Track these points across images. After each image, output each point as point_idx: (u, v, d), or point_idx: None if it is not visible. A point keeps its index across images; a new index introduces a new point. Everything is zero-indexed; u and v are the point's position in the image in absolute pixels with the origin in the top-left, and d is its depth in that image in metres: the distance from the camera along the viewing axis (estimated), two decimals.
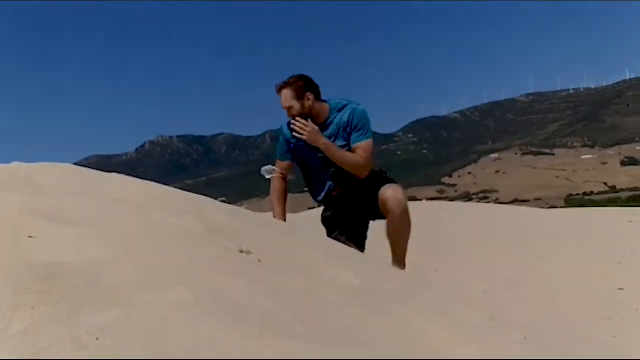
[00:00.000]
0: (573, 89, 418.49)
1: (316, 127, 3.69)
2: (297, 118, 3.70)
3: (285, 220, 3.85)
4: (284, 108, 3.81)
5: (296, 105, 3.75)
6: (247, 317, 1.42)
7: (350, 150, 3.74)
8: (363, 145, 3.73)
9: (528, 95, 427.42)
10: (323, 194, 3.87)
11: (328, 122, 3.79)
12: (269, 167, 3.96)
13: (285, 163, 3.98)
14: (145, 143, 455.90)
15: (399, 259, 3.69)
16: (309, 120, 3.73)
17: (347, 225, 3.88)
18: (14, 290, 1.38)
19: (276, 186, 3.98)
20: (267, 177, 3.97)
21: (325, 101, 3.85)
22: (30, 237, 1.78)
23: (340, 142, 3.74)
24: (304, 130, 3.66)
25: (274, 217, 3.91)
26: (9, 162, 3.00)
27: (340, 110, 3.79)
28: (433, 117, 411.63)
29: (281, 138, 3.97)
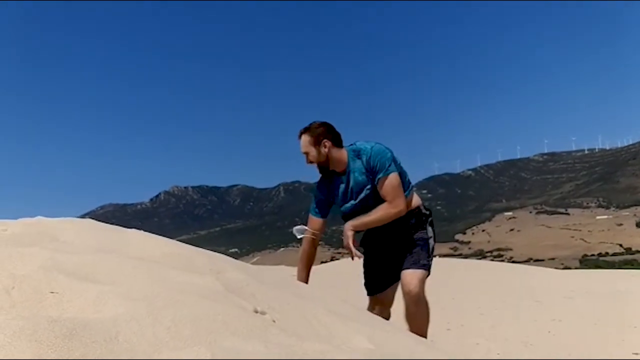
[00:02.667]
0: (588, 149, 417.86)
1: (348, 236, 3.68)
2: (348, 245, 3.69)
3: (307, 283, 3.85)
4: (302, 153, 3.83)
5: (313, 151, 3.79)
6: None
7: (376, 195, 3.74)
8: (385, 185, 3.68)
9: (542, 154, 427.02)
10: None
11: (348, 170, 3.80)
12: (301, 226, 3.95)
13: (318, 220, 3.96)
14: (160, 193, 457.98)
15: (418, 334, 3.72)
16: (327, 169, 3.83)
17: (381, 265, 3.96)
18: (37, 345, 1.41)
19: (305, 249, 3.98)
20: (299, 236, 3.95)
21: (344, 147, 3.85)
22: (53, 292, 1.83)
23: (365, 186, 3.76)
24: (346, 243, 3.69)
25: (297, 278, 3.91)
26: (32, 214, 3.07)
27: (356, 157, 3.79)
28: (447, 174, 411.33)
29: (314, 194, 4.00)
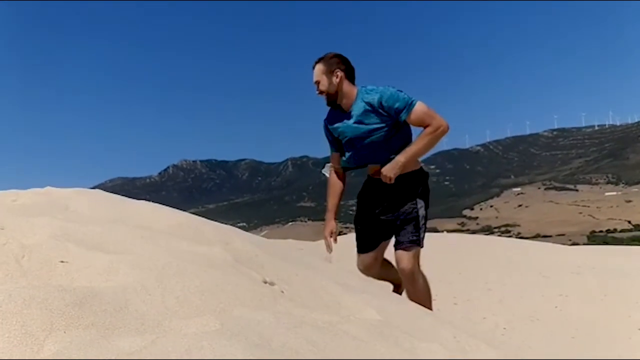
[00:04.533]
0: (598, 125, 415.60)
1: (390, 167, 3.58)
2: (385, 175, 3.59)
3: (335, 213, 3.90)
4: (314, 82, 3.72)
5: (324, 80, 3.67)
6: (270, 348, 1.45)
7: (391, 131, 3.64)
8: (417, 114, 3.56)
9: (552, 130, 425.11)
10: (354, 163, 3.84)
11: (351, 110, 3.68)
12: (328, 164, 3.99)
13: (336, 155, 3.93)
14: (168, 167, 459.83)
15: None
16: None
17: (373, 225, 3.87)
18: (47, 313, 1.42)
19: (330, 180, 3.97)
20: (327, 174, 3.99)
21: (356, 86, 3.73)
22: (63, 261, 1.83)
23: (369, 120, 3.63)
24: (389, 177, 3.58)
25: (327, 205, 3.93)
26: (42, 186, 3.08)
27: (366, 95, 3.65)
28: (456, 149, 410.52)
29: (324, 131, 3.92)
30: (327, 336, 1.66)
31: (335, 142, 3.90)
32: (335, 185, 3.96)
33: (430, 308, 3.72)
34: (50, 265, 1.81)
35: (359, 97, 3.67)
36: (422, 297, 3.72)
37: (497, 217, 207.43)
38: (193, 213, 3.73)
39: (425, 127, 3.58)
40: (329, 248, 3.84)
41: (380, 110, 3.60)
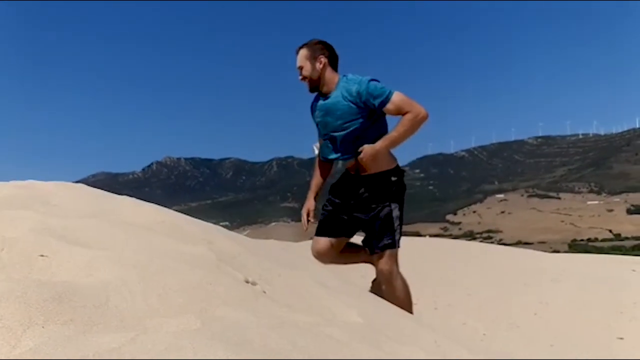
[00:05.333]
0: (582, 134, 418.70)
1: (368, 151, 3.55)
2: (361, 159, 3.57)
3: (316, 193, 3.92)
4: (297, 68, 3.71)
5: (307, 65, 3.66)
6: (251, 348, 1.44)
7: (367, 121, 3.61)
8: (394, 103, 3.53)
9: (537, 137, 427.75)
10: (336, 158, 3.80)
11: (330, 97, 3.67)
12: (316, 144, 3.97)
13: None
14: (152, 163, 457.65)
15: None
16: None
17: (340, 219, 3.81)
18: (26, 307, 1.40)
19: (317, 160, 3.97)
20: (315, 151, 3.98)
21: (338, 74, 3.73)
22: (42, 255, 1.81)
23: (345, 109, 3.60)
24: (365, 161, 3.56)
25: (311, 182, 3.96)
26: (23, 179, 3.05)
27: (344, 84, 3.63)
28: (440, 154, 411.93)
29: (312, 117, 3.90)
30: (308, 337, 1.65)
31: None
32: (321, 166, 3.97)
33: (410, 311, 3.70)
34: (30, 259, 1.79)
35: (339, 84, 3.66)
36: (402, 299, 3.67)
37: (479, 223, 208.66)
38: (176, 210, 3.71)
39: (403, 115, 3.55)
40: (305, 225, 3.84)
41: (358, 101, 3.57)
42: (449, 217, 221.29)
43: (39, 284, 1.53)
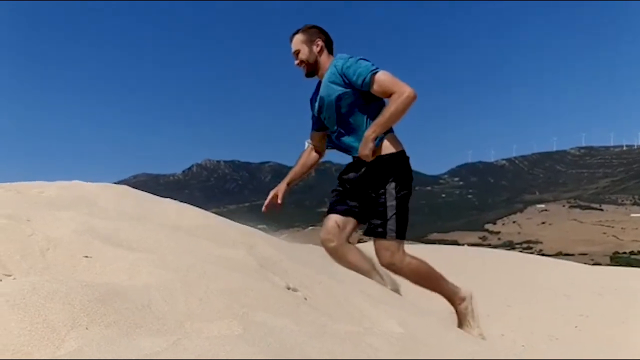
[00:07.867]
0: (626, 146, 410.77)
1: (362, 146, 3.47)
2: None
3: (291, 180, 4.00)
4: (292, 53, 3.68)
5: (304, 49, 3.63)
6: (290, 356, 1.43)
7: (358, 100, 3.54)
8: (381, 81, 3.44)
9: (580, 148, 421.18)
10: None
11: (321, 80, 3.67)
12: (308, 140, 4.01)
13: (315, 134, 3.93)
14: (192, 165, 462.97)
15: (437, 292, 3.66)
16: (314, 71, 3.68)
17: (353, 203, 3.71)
18: (70, 308, 1.41)
19: (303, 152, 4.02)
20: (306, 146, 4.04)
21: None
22: (86, 256, 1.83)
23: (335, 86, 3.55)
24: (366, 154, 3.47)
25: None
26: (68, 179, 3.09)
27: (333, 65, 3.61)
28: (481, 162, 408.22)
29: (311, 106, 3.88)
30: (348, 347, 1.64)
31: (316, 118, 3.86)
32: (304, 157, 4.00)
33: (443, 289, 3.67)
34: (74, 260, 1.81)
35: (331, 64, 3.63)
36: (424, 281, 3.60)
37: (519, 233, 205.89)
38: (214, 213, 3.73)
39: (390, 96, 3.46)
40: (265, 207, 3.89)
41: (343, 77, 3.52)
42: (488, 226, 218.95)
43: (83, 285, 1.54)
